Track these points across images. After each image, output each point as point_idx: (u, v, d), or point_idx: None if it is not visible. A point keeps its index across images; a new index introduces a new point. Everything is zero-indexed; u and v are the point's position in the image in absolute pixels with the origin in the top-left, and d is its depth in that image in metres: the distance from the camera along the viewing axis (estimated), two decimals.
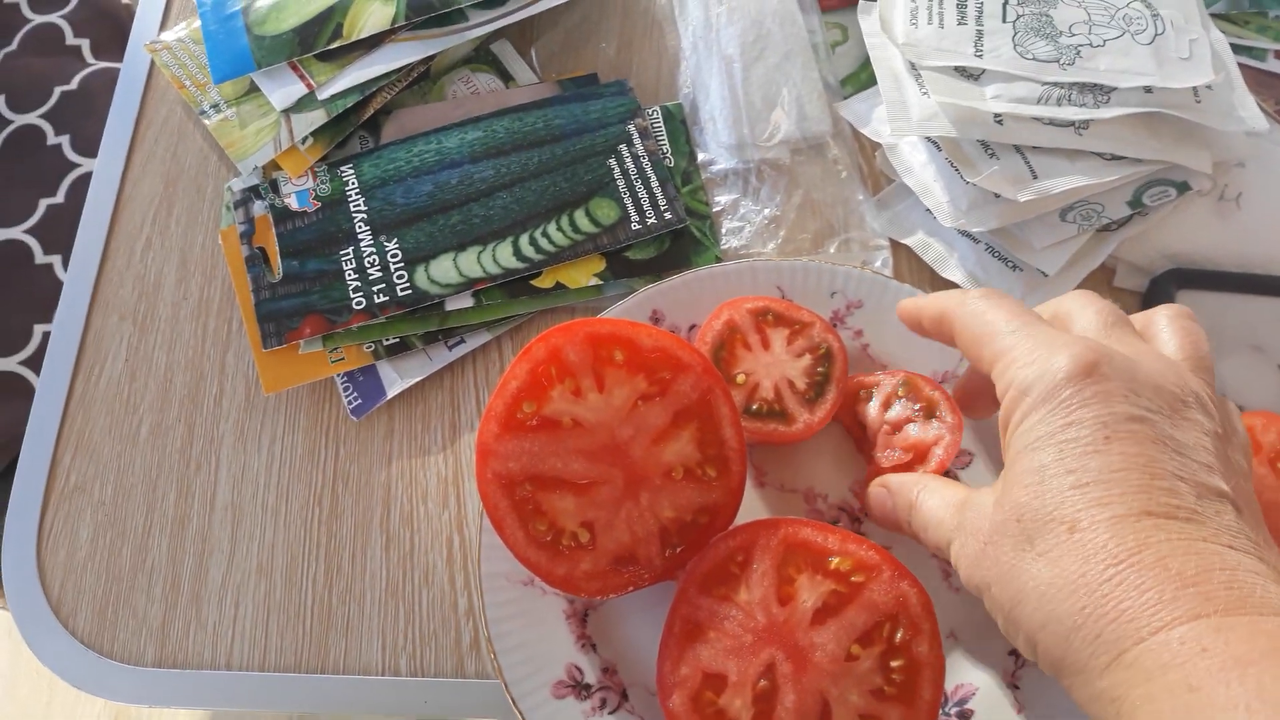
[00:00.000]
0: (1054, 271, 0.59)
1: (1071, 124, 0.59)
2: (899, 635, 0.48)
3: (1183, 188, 0.60)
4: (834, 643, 0.48)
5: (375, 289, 0.61)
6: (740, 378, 0.56)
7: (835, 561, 0.49)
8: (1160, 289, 0.60)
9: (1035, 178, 0.58)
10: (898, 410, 0.56)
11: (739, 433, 0.52)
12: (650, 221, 0.62)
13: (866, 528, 0.57)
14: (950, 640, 0.55)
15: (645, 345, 0.51)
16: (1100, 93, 0.59)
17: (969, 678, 0.54)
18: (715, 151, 0.65)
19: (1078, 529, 0.36)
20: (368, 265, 0.62)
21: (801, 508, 0.57)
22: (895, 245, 0.64)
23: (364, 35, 0.66)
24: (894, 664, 0.48)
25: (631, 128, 0.65)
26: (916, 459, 0.55)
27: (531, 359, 0.49)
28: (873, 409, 0.56)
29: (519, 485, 0.50)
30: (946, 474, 0.55)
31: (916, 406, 0.56)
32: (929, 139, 0.61)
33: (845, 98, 0.67)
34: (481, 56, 0.70)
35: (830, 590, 0.48)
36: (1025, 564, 0.38)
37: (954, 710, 0.53)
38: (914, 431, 0.55)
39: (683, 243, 0.63)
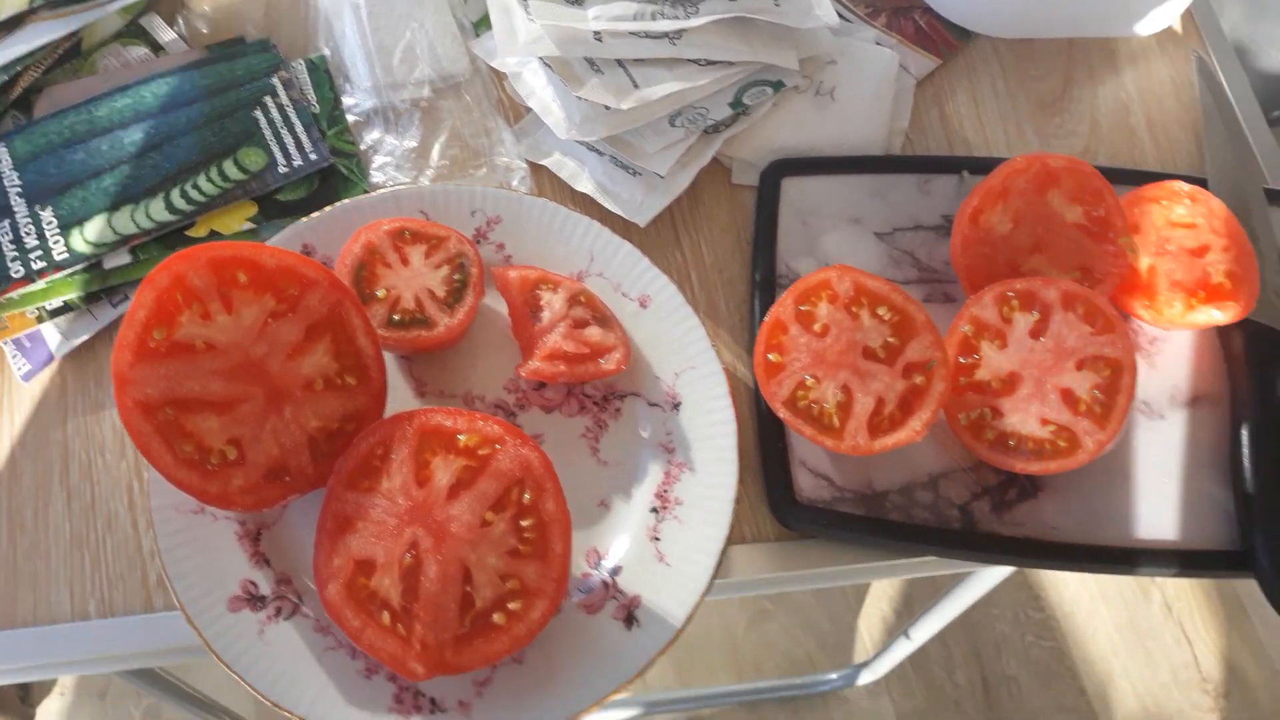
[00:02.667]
0: (666, 171, 0.65)
1: (666, 35, 0.65)
2: (526, 497, 0.53)
3: (778, 86, 0.67)
4: (469, 513, 0.52)
5: (33, 256, 0.62)
6: (381, 293, 0.60)
7: (464, 439, 0.53)
8: (768, 179, 0.67)
9: (637, 87, 0.63)
10: (580, 312, 0.61)
11: (374, 340, 0.56)
12: (297, 164, 0.66)
13: (522, 420, 0.62)
14: (601, 509, 0.60)
15: (268, 265, 0.54)
16: (690, 4, 0.65)
17: (618, 538, 0.59)
18: (358, 95, 0.69)
19: None
20: (24, 235, 0.63)
21: None
22: (536, 167, 0.69)
23: (3, 18, 0.67)
24: (524, 524, 0.53)
25: (275, 80, 0.68)
26: (593, 355, 0.60)
27: (155, 286, 0.52)
28: (557, 302, 0.61)
29: (160, 410, 0.52)
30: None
31: (593, 315, 0.61)
32: (544, 61, 0.66)
33: (478, 37, 0.72)
34: (131, 30, 0.72)
35: (463, 466, 0.53)
36: None
37: (608, 568, 0.59)
38: (595, 334, 0.60)
39: (332, 181, 0.67)
